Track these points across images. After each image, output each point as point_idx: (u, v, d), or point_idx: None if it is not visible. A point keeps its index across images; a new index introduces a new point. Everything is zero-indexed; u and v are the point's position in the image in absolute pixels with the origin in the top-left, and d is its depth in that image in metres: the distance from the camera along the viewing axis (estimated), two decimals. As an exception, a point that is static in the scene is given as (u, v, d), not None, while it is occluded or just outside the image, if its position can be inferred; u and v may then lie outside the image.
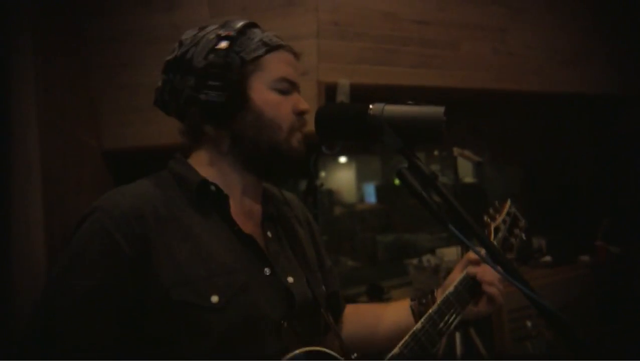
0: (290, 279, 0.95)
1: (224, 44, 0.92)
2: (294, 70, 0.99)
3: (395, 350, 0.95)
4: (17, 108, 1.69)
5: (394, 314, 1.16)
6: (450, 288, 1.04)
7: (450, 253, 2.70)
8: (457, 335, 2.13)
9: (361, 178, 4.39)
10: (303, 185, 2.27)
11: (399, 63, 2.32)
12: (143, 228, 0.84)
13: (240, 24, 0.95)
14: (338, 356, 0.92)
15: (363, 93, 2.30)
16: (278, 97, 0.95)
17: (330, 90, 2.25)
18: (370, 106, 0.83)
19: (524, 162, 3.82)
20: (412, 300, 1.14)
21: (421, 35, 2.36)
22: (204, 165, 0.97)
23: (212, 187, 0.92)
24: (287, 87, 0.97)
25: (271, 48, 0.96)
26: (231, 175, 0.97)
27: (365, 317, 1.22)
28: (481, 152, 3.86)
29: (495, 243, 1.12)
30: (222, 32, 0.93)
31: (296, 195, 1.22)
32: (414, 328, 0.98)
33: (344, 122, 0.88)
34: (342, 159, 4.29)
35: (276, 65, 0.96)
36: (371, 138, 0.84)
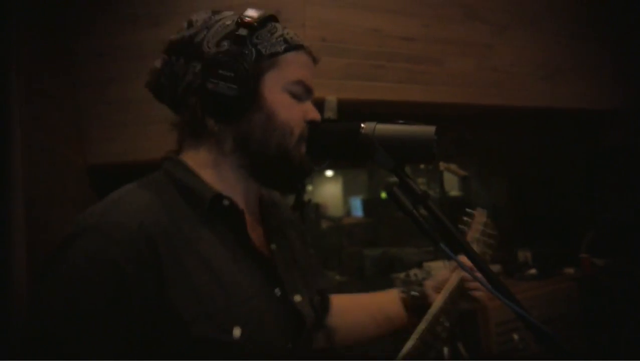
0: (297, 298, 0.90)
1: (243, 32, 0.83)
2: (310, 75, 0.91)
3: (408, 346, 0.97)
4: (0, 126, 1.66)
5: (382, 305, 1.17)
6: (446, 294, 1.06)
7: (437, 267, 2.70)
8: (445, 350, 2.13)
9: (348, 192, 4.39)
10: (290, 199, 2.25)
11: (386, 78, 2.33)
12: (154, 253, 0.72)
13: (262, 14, 0.86)
14: None
15: (350, 109, 2.30)
16: (292, 101, 0.87)
17: (317, 106, 2.25)
18: (362, 125, 0.83)
19: (509, 175, 3.86)
20: (401, 291, 1.16)
21: (407, 51, 2.38)
22: (204, 167, 0.87)
23: (226, 202, 0.83)
24: (302, 92, 0.89)
25: (291, 47, 0.87)
26: (233, 181, 0.88)
27: (352, 309, 1.20)
28: (467, 165, 3.90)
29: None
30: (242, 19, 0.84)
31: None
32: (420, 327, 1.00)
33: (335, 141, 0.87)
34: (329, 173, 4.29)
35: (294, 66, 0.88)
36: (362, 158, 0.84)
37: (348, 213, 4.32)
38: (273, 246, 0.93)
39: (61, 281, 0.70)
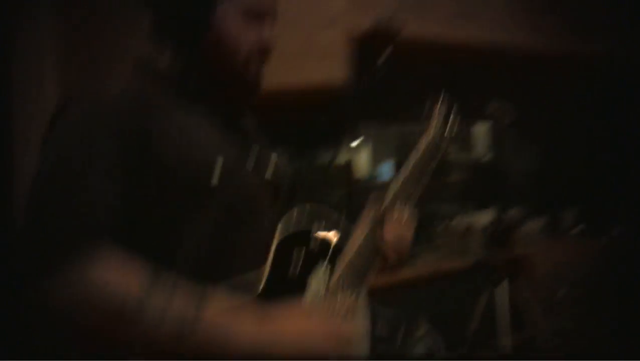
0: (269, 174, 0.94)
1: None
2: (273, 1, 0.92)
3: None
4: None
5: None
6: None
7: (480, 218, 2.60)
8: (506, 283, 2.03)
9: (377, 157, 4.30)
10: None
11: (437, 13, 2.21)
12: (138, 112, 0.78)
13: None
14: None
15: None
16: (244, 24, 0.88)
17: (361, 43, 2.14)
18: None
19: (546, 132, 3.71)
20: None
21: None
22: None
23: (194, 75, 0.88)
24: (257, 15, 0.89)
25: None
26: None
27: None
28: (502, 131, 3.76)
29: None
30: None
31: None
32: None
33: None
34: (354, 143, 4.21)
35: None
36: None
37: (377, 177, 4.23)
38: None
39: (61, 133, 0.77)
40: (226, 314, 0.74)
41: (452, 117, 1.14)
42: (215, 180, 0.79)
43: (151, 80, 0.87)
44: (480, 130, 3.91)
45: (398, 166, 4.09)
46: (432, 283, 2.49)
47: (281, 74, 2.25)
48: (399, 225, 1.01)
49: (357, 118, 1.56)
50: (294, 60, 2.17)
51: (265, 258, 0.85)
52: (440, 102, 1.15)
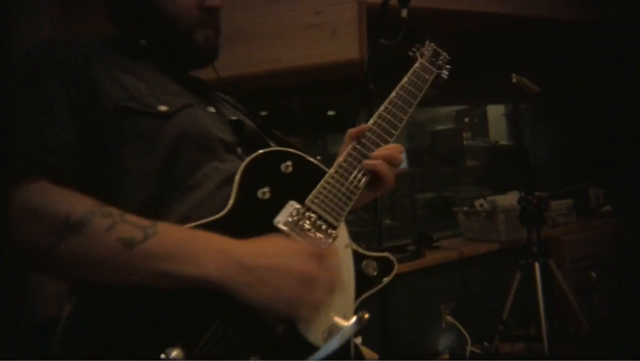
0: (234, 117, 0.93)
1: None
2: None
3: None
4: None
5: None
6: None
7: (505, 199, 2.47)
8: (537, 265, 1.91)
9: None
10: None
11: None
12: (81, 52, 0.77)
13: None
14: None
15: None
16: None
17: (372, 11, 2.03)
18: None
19: (564, 117, 3.58)
20: None
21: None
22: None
23: (142, 42, 0.88)
24: None
25: None
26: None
27: None
28: (523, 111, 3.63)
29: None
30: None
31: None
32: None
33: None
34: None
35: None
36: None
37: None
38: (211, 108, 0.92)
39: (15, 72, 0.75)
40: (187, 228, 0.69)
41: (441, 52, 1.09)
42: (164, 108, 0.77)
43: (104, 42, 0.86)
44: (496, 113, 3.81)
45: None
46: (459, 267, 2.39)
47: (293, 51, 2.19)
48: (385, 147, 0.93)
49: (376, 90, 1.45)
50: (305, 37, 2.08)
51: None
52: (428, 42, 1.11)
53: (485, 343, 2.20)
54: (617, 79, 3.23)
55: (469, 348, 2.24)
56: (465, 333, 2.28)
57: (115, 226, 0.64)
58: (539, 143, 3.75)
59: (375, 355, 1.27)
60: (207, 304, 0.66)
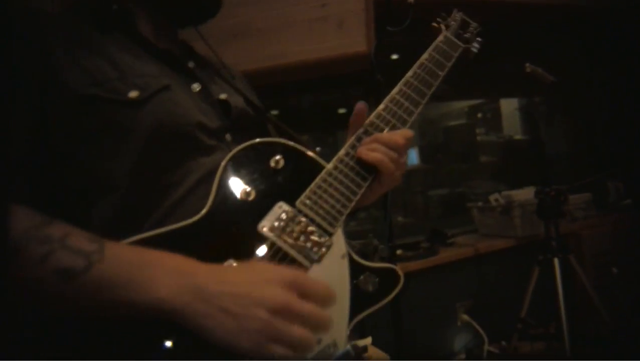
0: (223, 95, 0.83)
1: None
2: None
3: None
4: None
5: None
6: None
7: (520, 194, 2.40)
8: (556, 261, 1.84)
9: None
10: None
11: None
12: (37, 26, 0.68)
13: None
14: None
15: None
16: None
17: (379, 4, 1.98)
18: None
19: (580, 112, 3.49)
20: None
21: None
22: None
23: (114, 6, 0.77)
24: None
25: None
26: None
27: None
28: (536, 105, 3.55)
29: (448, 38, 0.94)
30: None
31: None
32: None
33: None
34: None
35: None
36: None
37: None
38: (190, 64, 0.85)
39: None
40: (140, 249, 0.60)
41: (471, 22, 0.98)
42: (134, 94, 0.68)
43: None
44: (509, 108, 3.73)
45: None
46: (474, 264, 2.33)
47: (299, 45, 2.15)
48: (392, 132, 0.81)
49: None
50: (311, 31, 2.05)
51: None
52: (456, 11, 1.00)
53: (503, 343, 2.15)
54: (634, 69, 3.15)
55: (486, 347, 2.20)
56: (482, 332, 2.24)
57: (53, 254, 0.54)
58: (554, 136, 3.67)
59: (386, 355, 1.22)
60: (161, 338, 0.56)
